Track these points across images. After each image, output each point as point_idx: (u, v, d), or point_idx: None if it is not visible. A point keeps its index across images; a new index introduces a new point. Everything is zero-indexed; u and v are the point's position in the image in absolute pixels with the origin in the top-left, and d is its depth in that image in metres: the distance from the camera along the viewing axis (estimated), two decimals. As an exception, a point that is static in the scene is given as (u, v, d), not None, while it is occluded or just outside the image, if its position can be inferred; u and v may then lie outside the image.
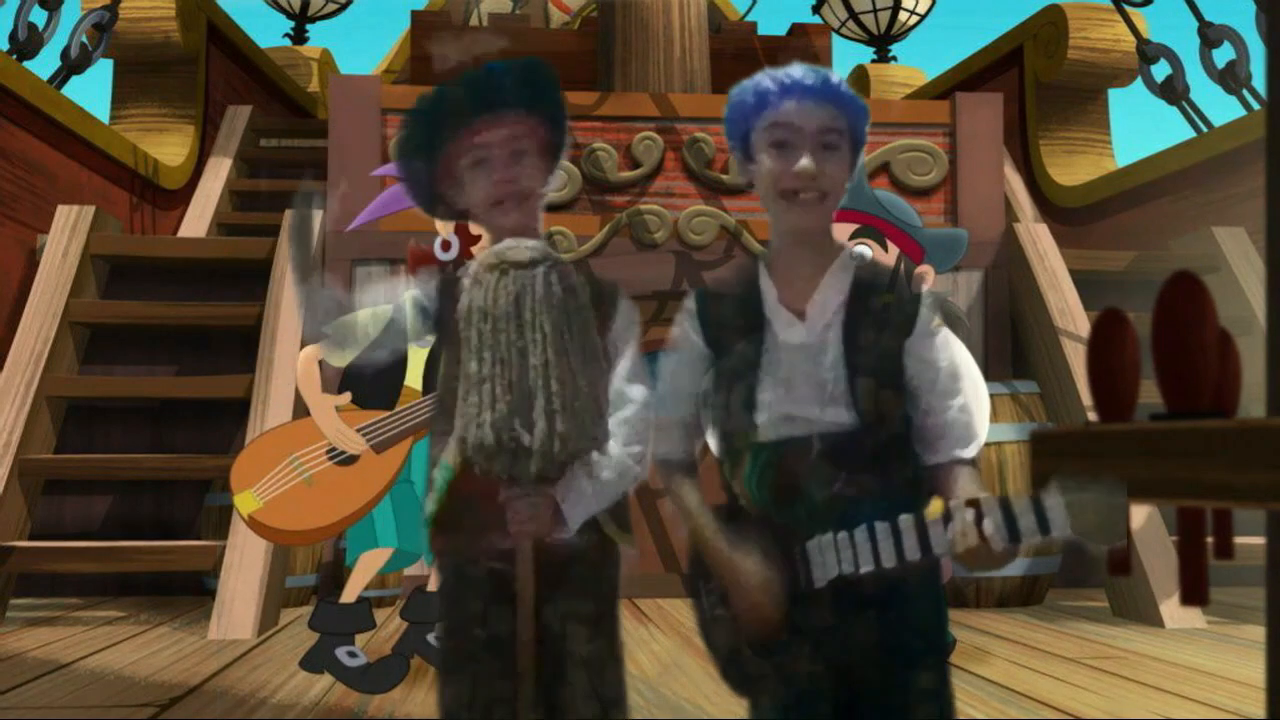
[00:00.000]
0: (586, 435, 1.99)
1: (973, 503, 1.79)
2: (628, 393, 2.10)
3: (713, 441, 2.11)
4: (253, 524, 3.95)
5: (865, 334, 1.98)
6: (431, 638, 4.05)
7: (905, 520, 1.82)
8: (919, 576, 1.94)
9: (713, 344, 2.06)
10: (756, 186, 2.06)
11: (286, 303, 6.51)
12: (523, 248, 2.07)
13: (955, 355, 2.05)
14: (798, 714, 1.98)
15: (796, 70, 2.00)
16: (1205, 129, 8.38)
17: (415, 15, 10.48)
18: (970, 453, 2.03)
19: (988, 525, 1.75)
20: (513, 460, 1.97)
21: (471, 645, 2.10)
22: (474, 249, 4.17)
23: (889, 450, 1.97)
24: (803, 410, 1.96)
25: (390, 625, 5.06)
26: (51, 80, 7.71)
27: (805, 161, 1.96)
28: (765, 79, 2.01)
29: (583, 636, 2.11)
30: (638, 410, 2.10)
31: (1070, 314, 6.78)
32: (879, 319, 1.99)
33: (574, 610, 2.11)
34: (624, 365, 2.12)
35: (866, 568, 1.85)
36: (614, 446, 2.06)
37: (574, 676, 2.10)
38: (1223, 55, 8.34)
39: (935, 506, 1.84)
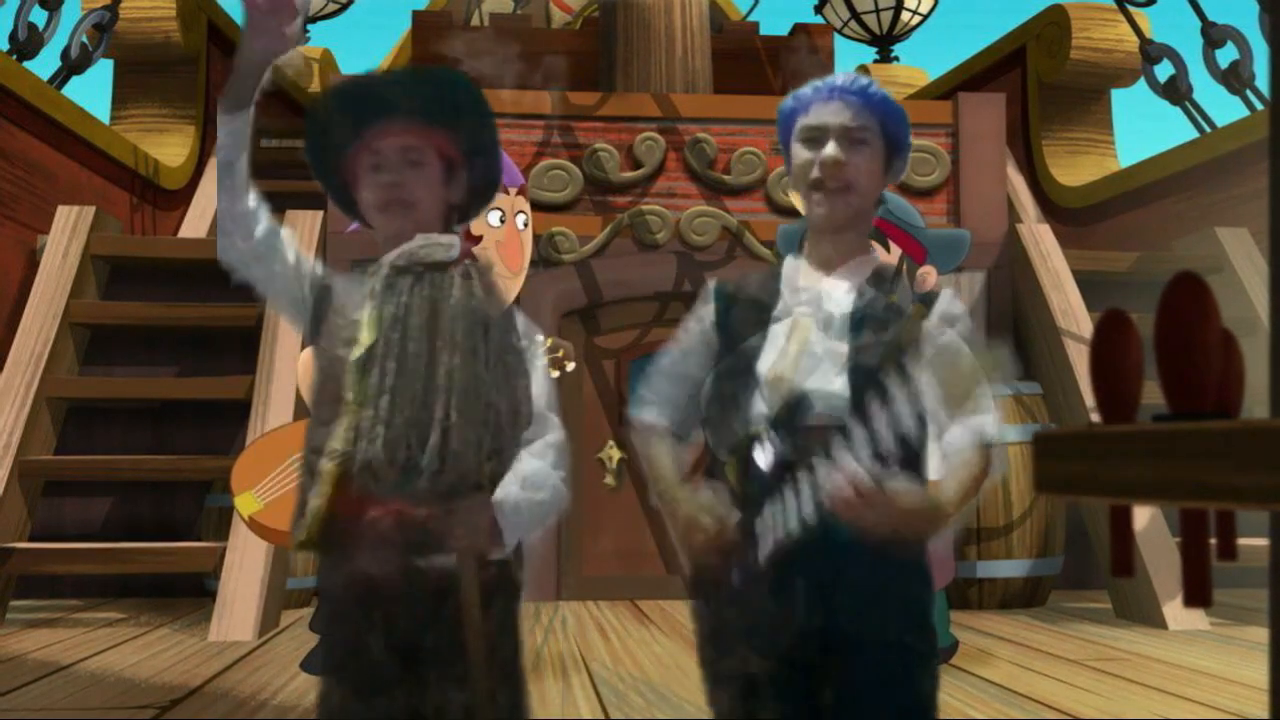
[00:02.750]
0: (481, 451, 1.93)
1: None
2: (551, 417, 2.08)
3: (710, 433, 2.09)
4: (253, 525, 3.95)
5: (876, 315, 2.01)
6: None
7: (839, 447, 1.85)
8: (905, 570, 1.96)
9: (723, 325, 2.09)
10: (794, 185, 2.12)
11: (287, 303, 6.50)
12: (437, 246, 2.05)
13: (965, 366, 2.01)
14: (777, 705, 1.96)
15: (833, 76, 2.08)
16: (1208, 129, 8.37)
17: (416, 15, 10.47)
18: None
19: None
20: (402, 479, 1.90)
21: (359, 678, 1.99)
22: (475, 250, 4.17)
23: (872, 437, 1.91)
24: (798, 381, 1.97)
25: (391, 626, 5.05)
26: (51, 80, 7.71)
27: (830, 149, 2.02)
28: (806, 86, 2.10)
29: (468, 680, 1.97)
30: (562, 437, 2.08)
31: (1073, 315, 6.78)
32: (892, 307, 2.02)
33: (458, 655, 1.97)
34: (540, 386, 2.08)
35: (808, 513, 1.86)
36: (545, 466, 2.03)
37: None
38: (1226, 55, 8.33)
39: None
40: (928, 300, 2.04)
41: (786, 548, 1.89)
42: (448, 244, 2.07)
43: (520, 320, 2.12)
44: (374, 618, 1.98)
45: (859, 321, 2.00)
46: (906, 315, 2.01)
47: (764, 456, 1.93)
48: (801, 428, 1.94)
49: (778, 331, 2.02)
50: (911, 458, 1.97)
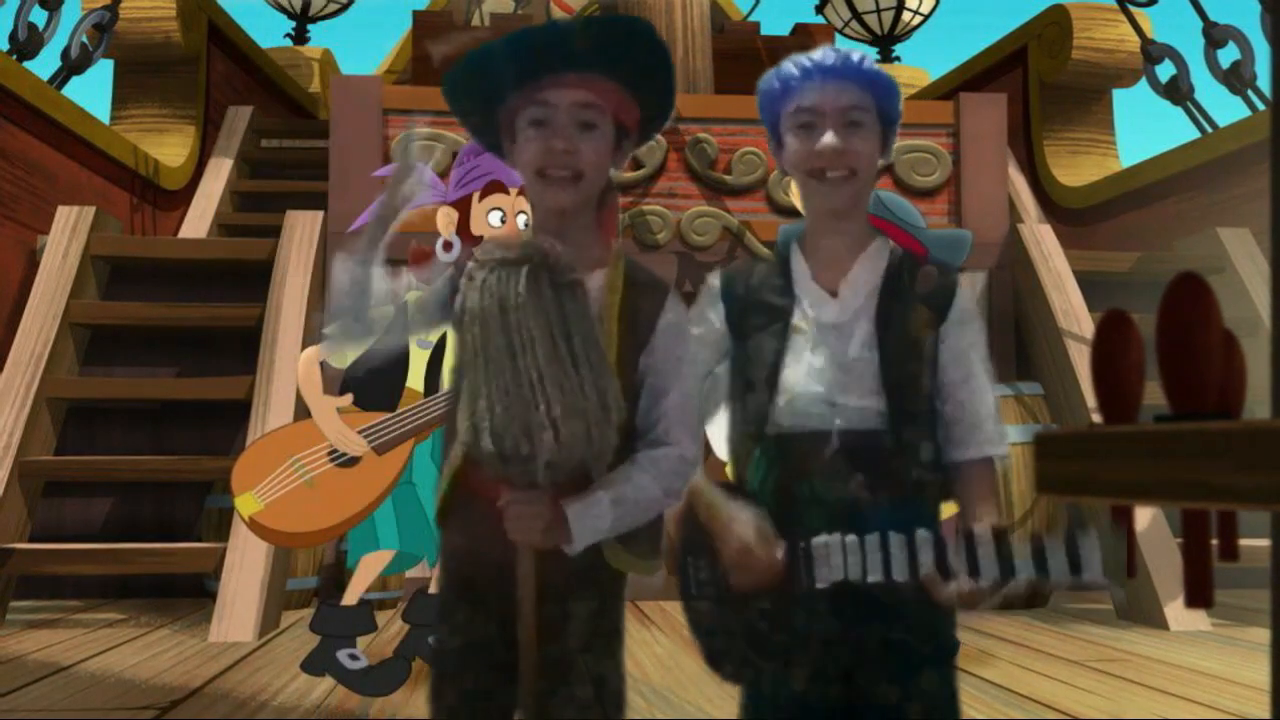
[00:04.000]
0: (588, 444, 1.81)
1: (1000, 533, 1.75)
2: (672, 433, 1.92)
3: (716, 434, 2.07)
4: (254, 526, 3.94)
5: (898, 318, 1.96)
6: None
7: (922, 536, 1.78)
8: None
9: (734, 325, 2.02)
10: (789, 171, 2.03)
11: (287, 304, 6.50)
12: (514, 244, 1.86)
13: (987, 347, 2.02)
14: (793, 710, 1.95)
15: (819, 53, 1.98)
16: (1210, 129, 8.37)
17: (417, 15, 10.49)
18: (1002, 450, 1.98)
19: (982, 560, 1.74)
20: (521, 468, 1.81)
21: (459, 650, 2.00)
22: (476, 250, 4.15)
23: (909, 446, 1.93)
24: (827, 395, 1.92)
25: (392, 627, 5.05)
26: (51, 80, 7.71)
27: (829, 138, 1.95)
28: (789, 64, 1.99)
29: (569, 675, 1.95)
30: (679, 453, 1.92)
31: (1074, 315, 6.77)
32: (913, 304, 1.97)
33: (562, 653, 1.94)
34: (673, 401, 1.93)
35: (875, 578, 1.80)
36: (648, 479, 1.91)
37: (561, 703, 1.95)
38: (1227, 55, 8.34)
39: (947, 510, 1.83)
40: (935, 298, 2.00)
41: (838, 585, 1.85)
42: (525, 244, 1.87)
43: (663, 323, 1.94)
44: (483, 592, 1.99)
45: (885, 329, 1.95)
46: (936, 299, 1.97)
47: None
48: (838, 446, 1.90)
49: (799, 342, 1.96)
50: (934, 469, 1.97)
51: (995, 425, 1.98)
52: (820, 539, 1.83)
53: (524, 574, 1.92)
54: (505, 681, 1.98)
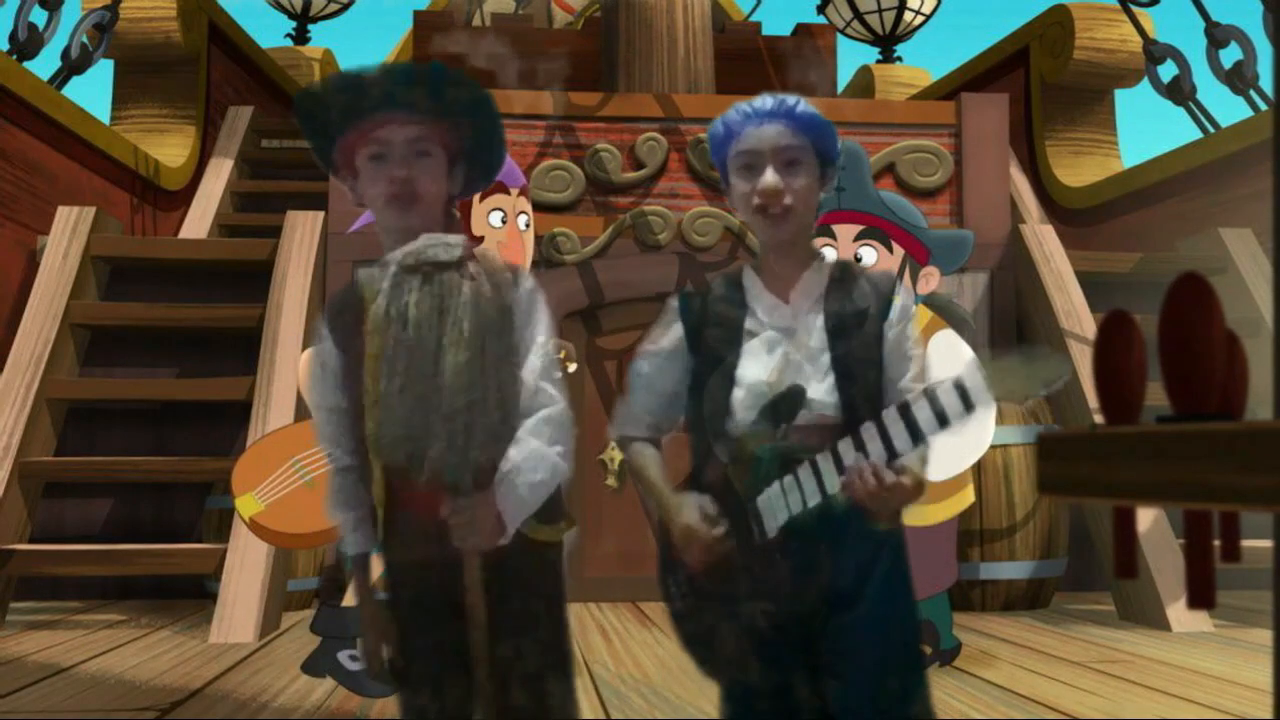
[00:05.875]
0: (493, 441, 2.00)
1: (903, 406, 1.91)
2: (547, 389, 2.12)
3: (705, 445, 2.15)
4: (254, 527, 3.94)
5: (844, 319, 2.11)
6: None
7: (844, 443, 1.93)
8: (890, 572, 2.07)
9: (694, 341, 2.18)
10: (737, 208, 2.22)
11: (288, 304, 6.50)
12: (443, 246, 2.09)
13: (927, 347, 2.20)
14: (766, 704, 2.08)
15: (759, 100, 2.19)
16: (1212, 129, 8.35)
17: (418, 15, 10.47)
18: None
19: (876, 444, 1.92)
20: (422, 471, 1.99)
21: (423, 661, 2.14)
22: (476, 250, 4.14)
23: (860, 423, 2.02)
24: (781, 384, 2.06)
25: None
26: (52, 80, 7.70)
27: (767, 177, 2.13)
28: (733, 111, 2.21)
29: (517, 649, 2.11)
30: (561, 409, 2.13)
31: (1076, 316, 6.76)
32: (856, 307, 2.12)
33: (506, 623, 2.09)
34: (537, 361, 2.13)
35: (814, 500, 1.96)
36: (540, 445, 2.07)
37: (516, 694, 2.09)
38: (1230, 55, 8.32)
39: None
40: (876, 302, 2.10)
41: (795, 523, 1.99)
42: (453, 243, 2.11)
43: (522, 293, 2.17)
44: (431, 599, 2.14)
45: (833, 327, 2.10)
46: (876, 306, 2.12)
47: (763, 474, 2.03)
48: (793, 426, 2.04)
49: (755, 346, 2.11)
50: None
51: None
52: (761, 495, 2.02)
53: (471, 579, 2.05)
54: (461, 677, 2.12)
